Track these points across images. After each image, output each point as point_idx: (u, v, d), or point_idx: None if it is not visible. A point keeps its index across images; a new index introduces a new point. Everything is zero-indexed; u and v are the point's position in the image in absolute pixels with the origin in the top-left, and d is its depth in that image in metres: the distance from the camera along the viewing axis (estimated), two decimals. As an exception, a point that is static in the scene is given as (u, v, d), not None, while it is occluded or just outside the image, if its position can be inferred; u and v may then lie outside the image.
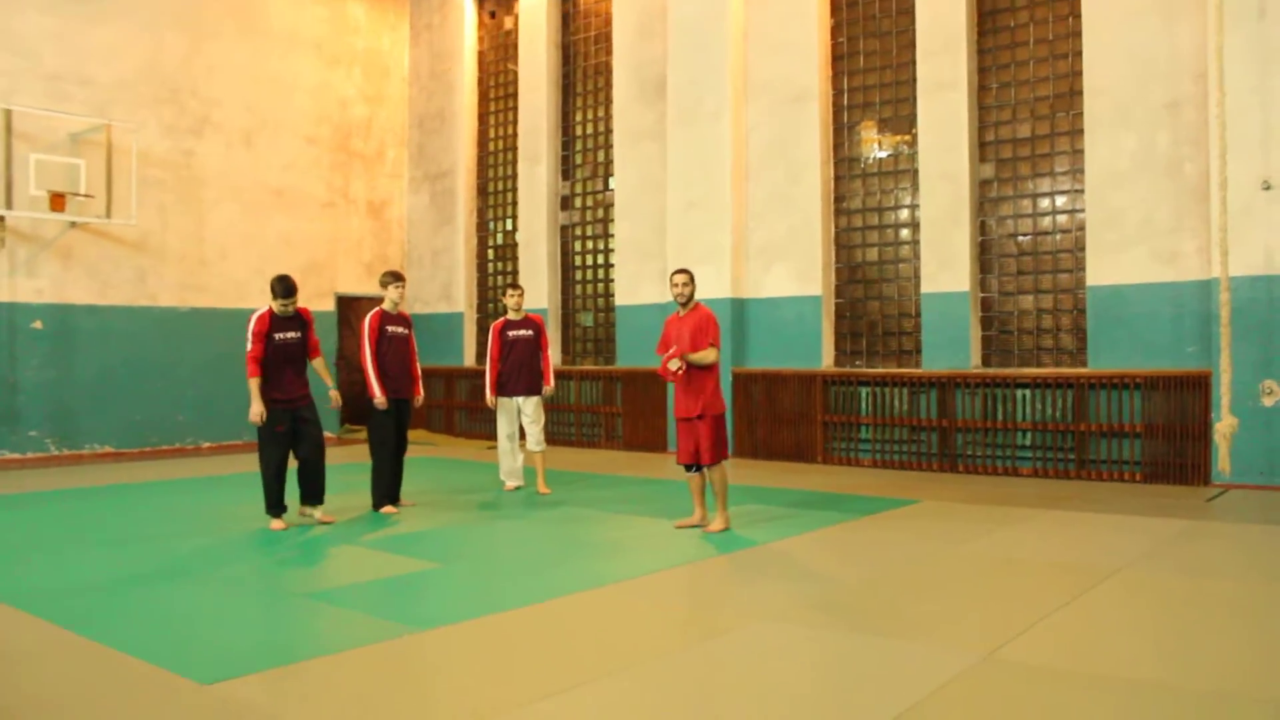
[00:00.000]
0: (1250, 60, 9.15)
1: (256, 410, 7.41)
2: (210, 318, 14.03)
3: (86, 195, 12.39)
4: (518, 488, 9.70)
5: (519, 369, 9.50)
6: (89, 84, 12.99)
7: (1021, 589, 5.67)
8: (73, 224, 12.67)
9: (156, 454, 13.27)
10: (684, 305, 7.41)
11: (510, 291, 9.73)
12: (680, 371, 7.21)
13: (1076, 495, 9.02)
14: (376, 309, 8.61)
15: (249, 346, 7.46)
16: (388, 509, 8.43)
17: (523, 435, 9.71)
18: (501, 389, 9.58)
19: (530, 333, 9.58)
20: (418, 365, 8.86)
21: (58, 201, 12.18)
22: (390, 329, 8.57)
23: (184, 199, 13.95)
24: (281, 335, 7.61)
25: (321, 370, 7.95)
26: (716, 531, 7.28)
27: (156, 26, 13.65)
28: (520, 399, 9.55)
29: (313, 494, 7.84)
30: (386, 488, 8.49)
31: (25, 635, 4.84)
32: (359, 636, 4.76)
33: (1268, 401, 9.15)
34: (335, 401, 8.19)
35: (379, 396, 8.34)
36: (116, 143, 12.89)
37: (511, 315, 9.64)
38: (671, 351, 7.34)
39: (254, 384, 7.44)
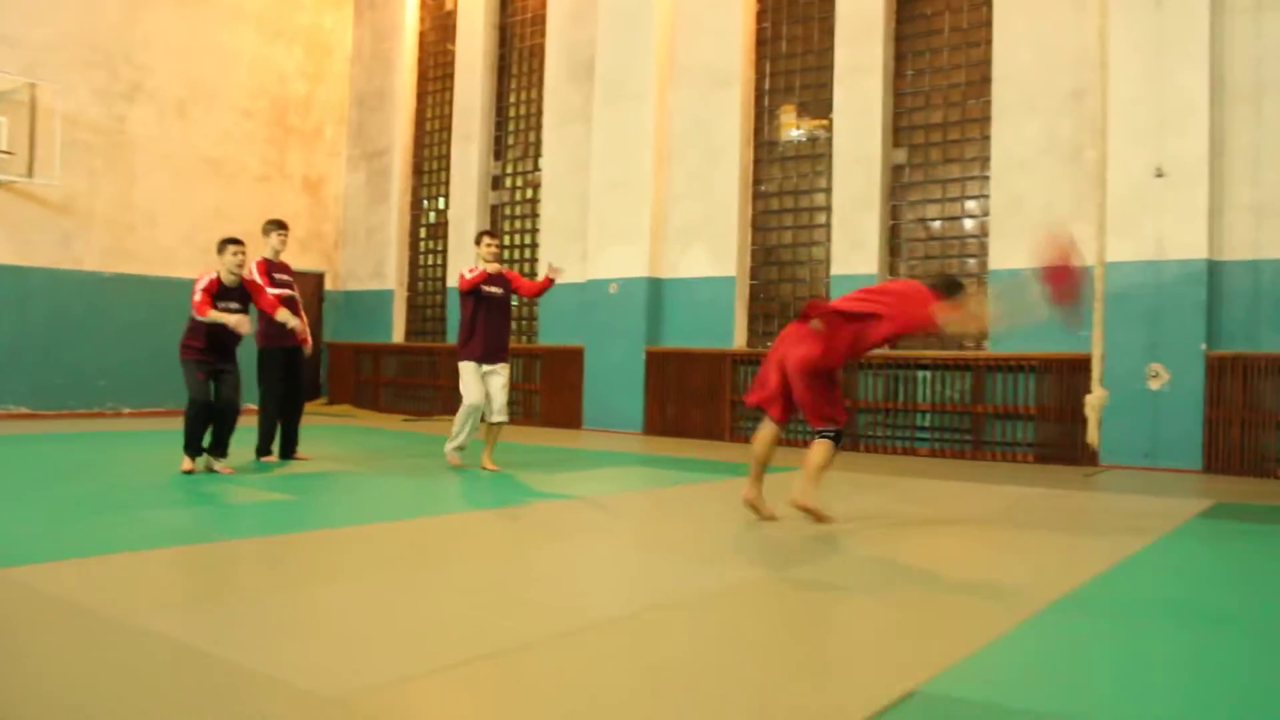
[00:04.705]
0: (1143, 49, 9.30)
1: (234, 320, 7.38)
2: (137, 284, 13.95)
3: (6, 152, 12.30)
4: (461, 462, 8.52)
5: (492, 332, 8.22)
6: (16, 44, 12.88)
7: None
8: (-6, 182, 12.61)
9: (74, 416, 13.16)
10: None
11: (486, 240, 8.27)
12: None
13: (970, 471, 9.12)
14: (261, 258, 8.35)
15: (196, 298, 7.40)
16: (268, 458, 8.42)
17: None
18: (470, 354, 8.23)
19: (502, 290, 8.30)
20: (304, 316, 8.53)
21: (-24, 160, 12.12)
22: (278, 276, 8.37)
23: (114, 164, 13.87)
24: (225, 304, 7.52)
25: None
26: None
27: (90, -10, 13.59)
28: (489, 365, 8.24)
29: (218, 445, 7.71)
30: (270, 437, 8.45)
31: None
32: (170, 538, 5.14)
33: (1154, 385, 9.27)
34: None
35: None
36: (43, 103, 12.84)
37: (486, 268, 8.20)
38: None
39: (213, 313, 7.37)
